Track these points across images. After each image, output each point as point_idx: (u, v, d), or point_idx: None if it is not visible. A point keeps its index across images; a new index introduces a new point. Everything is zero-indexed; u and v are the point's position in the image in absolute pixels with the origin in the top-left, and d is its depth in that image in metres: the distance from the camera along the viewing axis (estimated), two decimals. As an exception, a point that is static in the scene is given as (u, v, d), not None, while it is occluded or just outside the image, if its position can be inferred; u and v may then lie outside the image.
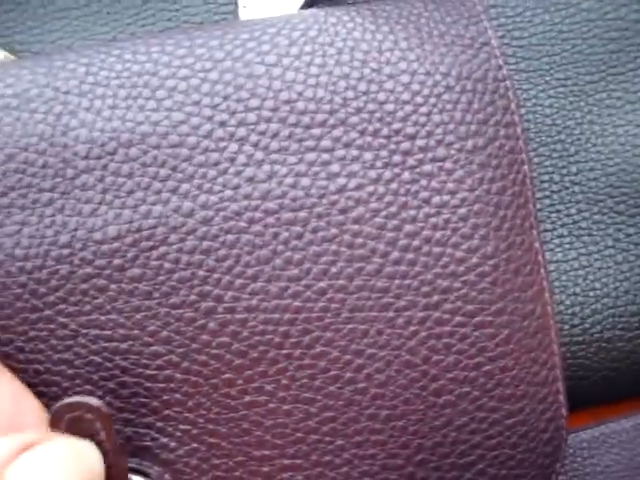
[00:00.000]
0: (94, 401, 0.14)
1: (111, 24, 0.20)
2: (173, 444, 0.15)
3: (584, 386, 0.20)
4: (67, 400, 0.14)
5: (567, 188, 0.20)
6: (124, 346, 0.15)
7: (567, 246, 0.20)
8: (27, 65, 0.16)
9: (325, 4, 0.18)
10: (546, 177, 0.20)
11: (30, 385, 0.15)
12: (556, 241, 0.20)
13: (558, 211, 0.20)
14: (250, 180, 0.15)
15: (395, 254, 0.15)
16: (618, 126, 0.20)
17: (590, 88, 0.20)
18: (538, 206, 0.20)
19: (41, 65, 0.16)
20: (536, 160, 0.20)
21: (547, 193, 0.20)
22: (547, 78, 0.20)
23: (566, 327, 0.19)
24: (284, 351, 0.15)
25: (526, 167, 0.16)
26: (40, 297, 0.15)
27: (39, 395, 0.15)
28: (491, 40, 0.17)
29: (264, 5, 0.19)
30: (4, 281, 0.15)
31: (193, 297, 0.15)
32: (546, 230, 0.20)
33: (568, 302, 0.20)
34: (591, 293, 0.20)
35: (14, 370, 0.15)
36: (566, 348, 0.19)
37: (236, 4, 0.19)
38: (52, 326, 0.15)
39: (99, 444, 0.14)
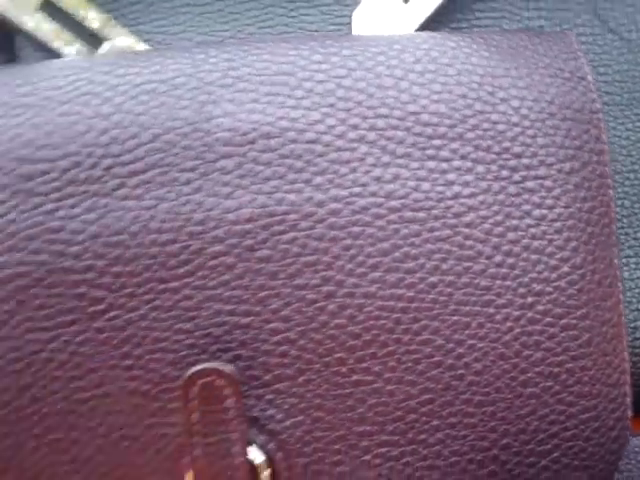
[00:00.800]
0: (228, 367, 0.16)
1: (231, 23, 0.22)
2: (280, 416, 0.17)
3: None
4: (202, 366, 0.16)
5: (636, 214, 0.22)
6: (245, 321, 0.16)
7: (633, 266, 0.22)
8: (170, 55, 0.18)
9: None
10: (618, 202, 0.22)
11: (150, 352, 0.17)
12: (623, 260, 0.22)
13: (627, 234, 0.22)
14: (377, 180, 0.17)
15: (498, 257, 0.17)
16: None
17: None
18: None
19: (184, 56, 0.18)
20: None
21: (618, 217, 0.22)
22: (627, 112, 0.22)
23: (629, 339, 0.21)
24: (394, 336, 0.16)
25: (611, 191, 0.18)
26: (169, 269, 0.17)
27: (157, 361, 0.17)
28: (587, 75, 0.19)
29: (373, 22, 0.21)
30: (136, 252, 0.16)
31: (316, 280, 0.16)
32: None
33: (631, 317, 0.21)
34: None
35: (134, 337, 0.17)
36: (629, 358, 0.21)
37: (350, 17, 0.21)
38: (177, 297, 0.17)
39: (227, 411, 0.16)
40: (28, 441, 0.17)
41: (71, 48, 0.20)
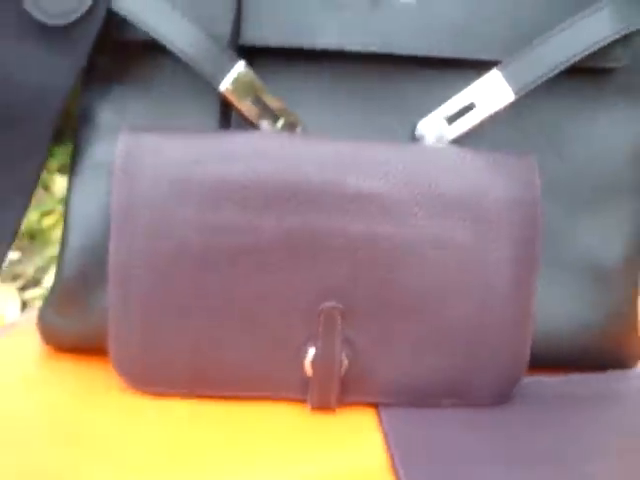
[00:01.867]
0: (339, 306, 0.33)
1: (348, 116, 0.38)
2: (355, 338, 0.34)
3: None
4: (327, 303, 0.33)
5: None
6: (347, 291, 0.33)
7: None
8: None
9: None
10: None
11: (300, 291, 0.33)
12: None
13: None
14: (421, 226, 0.33)
15: (466, 276, 0.34)
16: None
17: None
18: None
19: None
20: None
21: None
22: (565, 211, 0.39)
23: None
24: (423, 307, 0.33)
25: (538, 248, 0.35)
26: (306, 260, 0.33)
27: (303, 297, 0.33)
28: (537, 183, 0.35)
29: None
30: (298, 243, 0.33)
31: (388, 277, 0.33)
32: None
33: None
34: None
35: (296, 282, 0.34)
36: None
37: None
38: (316, 273, 0.33)
39: (336, 327, 0.33)
40: (221, 325, 0.33)
41: (263, 122, 0.36)
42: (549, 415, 0.36)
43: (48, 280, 1.26)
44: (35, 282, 1.27)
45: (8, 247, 0.39)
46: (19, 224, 0.38)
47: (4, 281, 1.50)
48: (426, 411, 0.35)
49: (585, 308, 0.39)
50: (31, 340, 0.40)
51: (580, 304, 0.39)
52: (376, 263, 0.33)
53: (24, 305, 1.21)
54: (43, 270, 1.29)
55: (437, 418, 0.35)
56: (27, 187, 0.38)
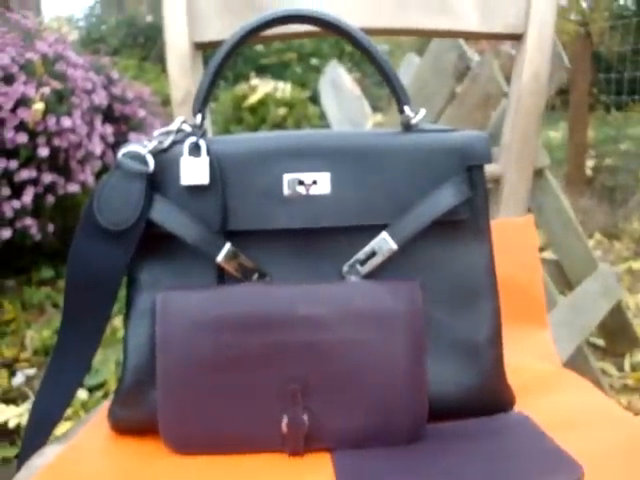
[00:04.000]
0: (299, 386, 0.54)
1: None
2: (311, 403, 0.54)
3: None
4: (293, 385, 0.53)
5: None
6: (302, 375, 0.54)
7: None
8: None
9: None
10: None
11: (270, 382, 0.54)
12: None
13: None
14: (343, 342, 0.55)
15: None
16: None
17: None
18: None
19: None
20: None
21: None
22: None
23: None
24: (351, 380, 0.54)
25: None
26: (279, 359, 0.55)
27: (272, 386, 0.54)
28: None
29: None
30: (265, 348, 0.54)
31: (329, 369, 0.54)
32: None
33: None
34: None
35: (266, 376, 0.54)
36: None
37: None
38: (277, 365, 0.54)
39: (298, 403, 0.53)
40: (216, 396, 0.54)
41: (245, 278, 0.58)
42: (448, 446, 0.56)
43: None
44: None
45: (81, 380, 0.60)
46: (89, 362, 0.60)
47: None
48: (362, 450, 0.55)
49: (465, 374, 0.60)
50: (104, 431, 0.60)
51: (461, 371, 0.60)
52: (318, 358, 0.54)
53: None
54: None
55: (369, 454, 0.55)
56: (95, 336, 0.59)
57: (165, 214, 0.57)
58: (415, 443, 0.56)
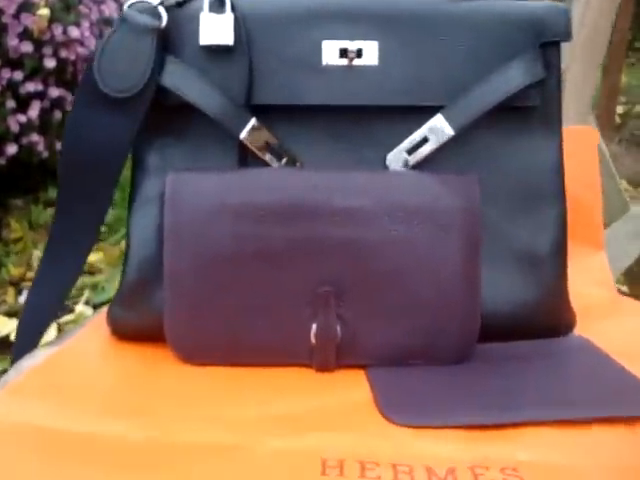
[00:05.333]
0: (332, 289, 0.45)
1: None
2: (345, 310, 0.46)
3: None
4: (325, 288, 0.45)
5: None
6: (336, 275, 0.45)
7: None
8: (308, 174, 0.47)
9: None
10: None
11: (301, 281, 0.46)
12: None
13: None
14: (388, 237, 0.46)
15: (432, 266, 0.46)
16: None
17: None
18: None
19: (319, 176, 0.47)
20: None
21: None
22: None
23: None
24: (394, 286, 0.46)
25: (479, 245, 0.47)
26: (314, 253, 0.46)
27: (303, 283, 0.46)
28: (477, 199, 0.48)
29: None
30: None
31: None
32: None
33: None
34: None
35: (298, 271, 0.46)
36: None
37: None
38: (312, 260, 0.46)
39: (330, 305, 0.45)
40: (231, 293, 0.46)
41: (271, 161, 0.49)
42: (502, 367, 0.48)
43: (80, 307, 1.40)
44: (69, 309, 1.40)
45: (76, 277, 0.52)
46: (86, 258, 0.51)
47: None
48: (402, 368, 0.47)
49: (523, 288, 0.51)
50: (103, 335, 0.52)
51: (519, 285, 0.51)
52: (357, 258, 0.46)
53: (59, 329, 1.33)
54: (76, 297, 1.42)
55: (411, 372, 0.47)
56: (93, 227, 0.51)
57: (179, 79, 0.48)
58: (463, 363, 0.48)
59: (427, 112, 0.49)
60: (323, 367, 0.47)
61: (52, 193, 2.28)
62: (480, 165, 0.51)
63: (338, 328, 0.46)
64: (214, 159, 0.50)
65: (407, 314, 0.47)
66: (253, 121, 0.48)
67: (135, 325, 0.50)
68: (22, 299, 1.77)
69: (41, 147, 2.00)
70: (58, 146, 2.07)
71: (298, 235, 0.46)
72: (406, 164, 0.49)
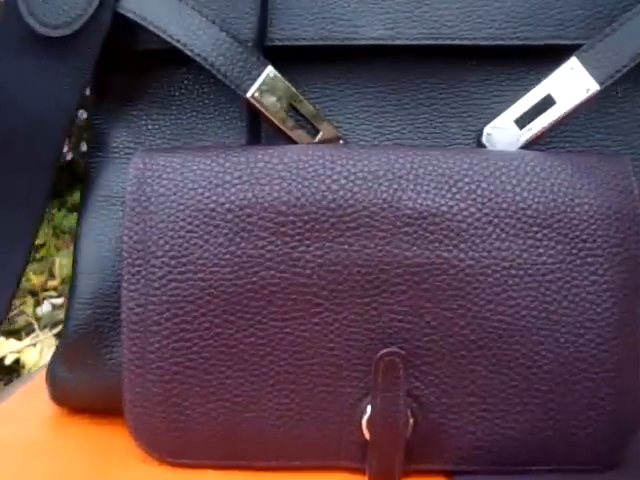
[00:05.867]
0: (401, 351, 0.26)
1: (397, 122, 0.32)
2: (422, 387, 0.27)
3: None
4: (388, 349, 0.26)
5: None
6: (409, 326, 0.27)
7: None
8: (374, 152, 0.28)
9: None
10: None
11: (346, 340, 0.27)
12: None
13: None
14: (497, 248, 0.27)
15: (565, 303, 0.27)
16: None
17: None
18: None
19: (383, 154, 0.28)
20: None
21: None
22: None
23: None
24: (498, 344, 0.27)
25: None
26: (365, 290, 0.27)
27: (350, 347, 0.27)
28: (634, 190, 0.29)
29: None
30: (346, 277, 0.27)
31: (454, 305, 0.27)
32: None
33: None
34: None
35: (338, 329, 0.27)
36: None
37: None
38: (368, 308, 0.27)
39: (399, 378, 0.26)
40: (264, 388, 0.28)
41: (298, 134, 0.30)
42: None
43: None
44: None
45: (14, 293, 0.34)
46: (24, 265, 0.34)
47: (45, 326, 1.48)
48: (514, 478, 0.28)
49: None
50: (43, 400, 0.34)
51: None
52: (443, 297, 0.27)
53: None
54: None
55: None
56: (30, 226, 0.33)
57: (150, 4, 0.30)
58: (613, 471, 0.29)
59: (550, 57, 0.30)
60: (383, 476, 0.28)
61: (77, 197, 2.16)
62: (632, 144, 0.32)
63: (409, 413, 0.28)
64: (210, 134, 0.32)
65: (522, 392, 0.28)
66: (269, 70, 0.30)
67: (83, 392, 0.32)
68: (42, 310, 1.63)
69: (65, 149, 1.87)
70: (83, 147, 1.95)
71: (340, 258, 0.27)
72: (515, 142, 0.30)
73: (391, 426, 0.27)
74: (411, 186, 0.28)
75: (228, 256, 0.27)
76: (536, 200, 0.28)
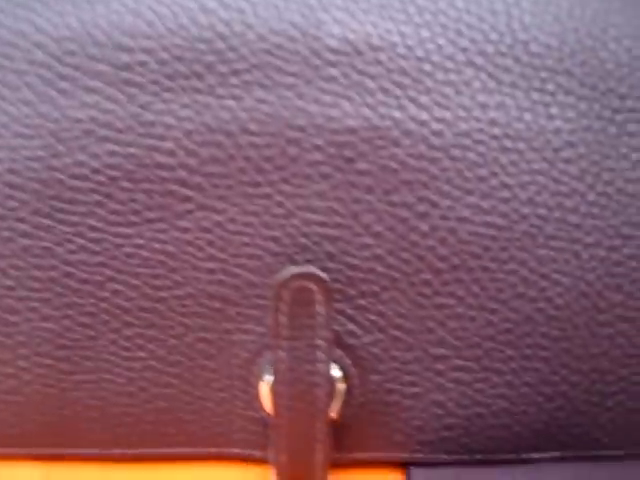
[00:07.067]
0: (322, 274, 0.16)
1: None
2: (359, 332, 0.17)
3: None
4: (297, 269, 0.16)
5: None
6: (335, 233, 0.16)
7: None
8: None
9: None
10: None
11: (234, 256, 0.17)
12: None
13: None
14: (481, 105, 0.16)
15: (591, 197, 0.17)
16: None
17: None
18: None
19: None
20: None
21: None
22: None
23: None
24: (482, 263, 0.17)
25: None
26: (263, 173, 0.16)
27: (240, 267, 0.17)
28: None
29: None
30: (231, 153, 0.16)
31: (411, 199, 0.16)
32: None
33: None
34: None
35: (219, 240, 0.17)
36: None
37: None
38: (269, 203, 0.17)
39: (316, 316, 0.16)
40: (105, 334, 0.17)
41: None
42: None
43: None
44: None
45: None
46: None
47: None
48: (500, 473, 0.18)
49: None
50: None
51: None
52: (393, 184, 0.16)
53: None
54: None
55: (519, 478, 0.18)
56: None
57: None
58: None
59: None
60: (295, 467, 0.18)
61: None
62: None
63: (337, 375, 0.17)
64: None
65: (527, 339, 0.18)
66: None
67: None
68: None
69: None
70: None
71: (223, 121, 0.16)
72: None
73: (305, 394, 0.17)
74: (340, 2, 0.17)
75: (38, 120, 0.16)
76: (546, 29, 0.17)
